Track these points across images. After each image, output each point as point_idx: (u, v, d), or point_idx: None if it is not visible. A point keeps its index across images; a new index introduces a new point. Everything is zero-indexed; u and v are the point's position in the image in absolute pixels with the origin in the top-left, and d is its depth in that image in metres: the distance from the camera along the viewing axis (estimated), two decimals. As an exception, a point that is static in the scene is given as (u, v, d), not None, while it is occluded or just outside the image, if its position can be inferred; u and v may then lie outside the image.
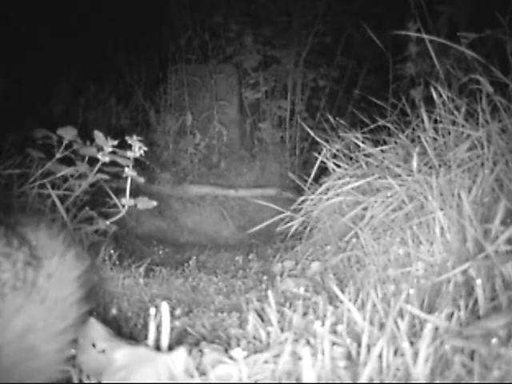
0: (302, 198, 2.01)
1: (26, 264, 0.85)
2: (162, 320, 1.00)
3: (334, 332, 1.06)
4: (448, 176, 1.38)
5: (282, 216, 2.01)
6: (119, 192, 1.82)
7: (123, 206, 1.76)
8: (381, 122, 1.88)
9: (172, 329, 1.09)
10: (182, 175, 3.27)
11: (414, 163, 1.51)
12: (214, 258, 2.26)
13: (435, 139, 1.60)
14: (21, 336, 0.80)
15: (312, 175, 2.02)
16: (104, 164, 1.77)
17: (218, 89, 3.42)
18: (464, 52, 1.70)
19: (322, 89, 3.45)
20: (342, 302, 1.17)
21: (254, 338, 1.14)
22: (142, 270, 1.74)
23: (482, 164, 1.37)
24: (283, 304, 1.35)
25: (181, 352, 0.94)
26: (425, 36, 1.78)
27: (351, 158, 1.93)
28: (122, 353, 0.94)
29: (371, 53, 3.11)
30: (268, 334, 1.12)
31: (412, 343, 0.90)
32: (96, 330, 1.00)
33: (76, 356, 0.97)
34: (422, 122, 1.69)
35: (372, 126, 1.92)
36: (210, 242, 2.78)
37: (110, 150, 1.75)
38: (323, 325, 1.03)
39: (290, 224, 1.96)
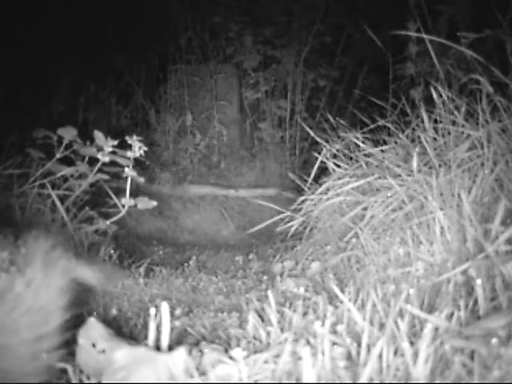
0: (302, 198, 2.01)
1: (0, 270, 0.86)
2: (162, 320, 1.00)
3: (334, 332, 1.06)
4: (448, 176, 1.38)
5: (282, 216, 2.01)
6: (119, 192, 1.82)
7: (123, 206, 1.76)
8: (381, 122, 1.88)
9: (172, 329, 1.09)
10: (182, 175, 3.26)
11: (414, 163, 1.51)
12: (214, 258, 2.26)
13: (435, 139, 1.60)
14: None
15: (312, 175, 2.02)
16: (104, 164, 1.77)
17: (218, 89, 3.42)
18: (464, 52, 1.70)
19: (322, 89, 3.45)
20: (342, 301, 1.17)
21: (254, 338, 1.14)
22: (141, 270, 1.74)
23: (482, 164, 1.37)
24: (283, 304, 1.35)
25: (181, 352, 0.94)
26: (425, 36, 1.78)
27: (351, 158, 1.93)
28: (122, 353, 0.93)
29: (371, 53, 3.11)
30: (268, 333, 1.12)
31: (412, 343, 0.90)
32: (96, 330, 1.00)
33: (76, 356, 0.97)
34: (422, 121, 1.69)
35: (372, 126, 1.92)
36: (210, 241, 2.78)
37: (110, 149, 1.75)
38: (323, 325, 1.03)
39: (290, 224, 1.96)
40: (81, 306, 1.01)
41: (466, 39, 1.82)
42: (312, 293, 1.48)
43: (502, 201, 1.16)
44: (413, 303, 1.08)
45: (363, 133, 1.94)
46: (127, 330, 1.25)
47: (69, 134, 1.74)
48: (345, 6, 3.22)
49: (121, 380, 0.89)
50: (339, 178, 1.88)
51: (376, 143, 1.87)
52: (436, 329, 0.95)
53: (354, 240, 1.59)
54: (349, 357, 0.96)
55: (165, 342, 0.99)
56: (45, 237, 0.97)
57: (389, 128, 1.84)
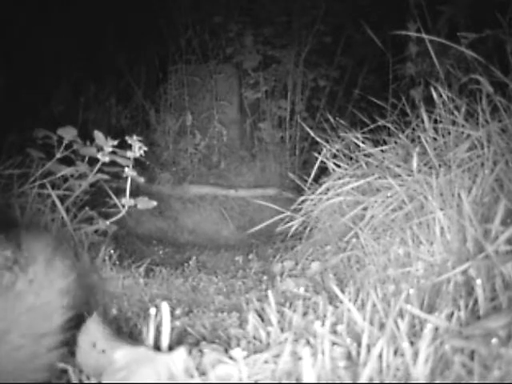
0: (302, 198, 2.01)
1: (4, 268, 0.86)
2: (162, 320, 1.00)
3: (334, 332, 1.06)
4: (448, 176, 1.38)
5: (282, 216, 2.01)
6: (119, 192, 1.82)
7: (123, 206, 1.76)
8: (381, 122, 1.88)
9: (172, 329, 1.09)
10: (182, 175, 3.27)
11: (414, 163, 1.51)
12: (214, 258, 2.26)
13: (435, 139, 1.60)
14: None
15: (312, 175, 2.02)
16: (104, 164, 1.77)
17: (218, 89, 3.42)
18: (464, 52, 1.70)
19: (322, 89, 3.45)
20: (342, 302, 1.17)
21: (254, 338, 1.14)
22: (141, 270, 1.74)
23: (482, 164, 1.37)
24: (283, 304, 1.35)
25: (181, 352, 0.94)
26: (425, 36, 1.78)
27: (351, 158, 1.93)
28: (122, 353, 0.93)
29: (371, 53, 3.11)
30: (268, 333, 1.12)
31: (412, 343, 0.90)
32: (96, 329, 1.00)
33: (76, 356, 0.97)
34: (422, 122, 1.69)
35: (372, 126, 1.92)
36: (210, 242, 2.78)
37: (110, 149, 1.75)
38: (323, 325, 1.03)
39: (290, 224, 1.97)
40: (81, 305, 1.00)
41: (466, 39, 1.82)
42: (312, 293, 1.48)
43: (502, 201, 1.16)
44: (413, 303, 1.08)
45: (363, 133, 1.94)
46: (127, 330, 1.25)
47: (69, 134, 1.74)
48: (345, 6, 3.22)
49: (121, 380, 0.89)
50: (339, 178, 1.88)
51: (376, 143, 1.87)
52: (436, 329, 0.95)
53: (354, 240, 1.59)
54: (349, 357, 0.96)
55: (165, 342, 0.99)
56: (45, 237, 0.97)
57: (389, 128, 1.84)
